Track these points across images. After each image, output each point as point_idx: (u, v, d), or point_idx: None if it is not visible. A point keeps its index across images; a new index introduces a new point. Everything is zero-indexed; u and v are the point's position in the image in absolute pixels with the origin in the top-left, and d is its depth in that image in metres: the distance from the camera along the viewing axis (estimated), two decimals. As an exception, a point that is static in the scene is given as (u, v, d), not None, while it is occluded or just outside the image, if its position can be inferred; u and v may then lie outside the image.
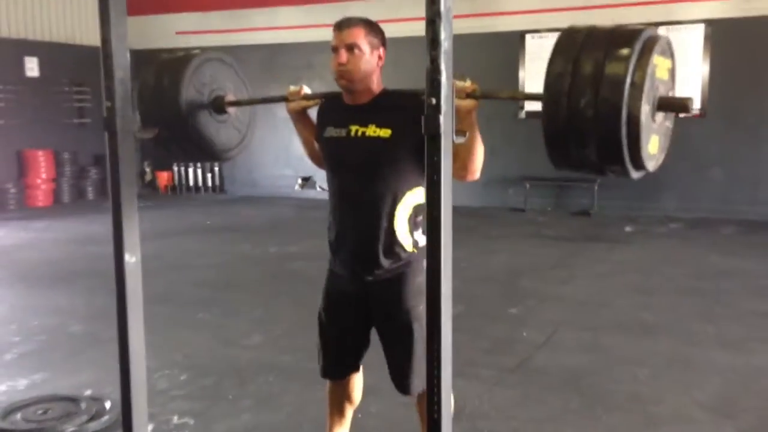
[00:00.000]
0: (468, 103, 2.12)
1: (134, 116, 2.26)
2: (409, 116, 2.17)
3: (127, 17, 2.18)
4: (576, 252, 7.44)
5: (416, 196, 2.43)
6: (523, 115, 10.23)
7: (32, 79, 11.26)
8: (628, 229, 8.59)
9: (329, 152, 2.55)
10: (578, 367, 4.09)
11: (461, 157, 2.26)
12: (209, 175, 12.53)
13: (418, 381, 2.44)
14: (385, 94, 2.49)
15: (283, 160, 12.03)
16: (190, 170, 12.56)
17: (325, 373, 2.71)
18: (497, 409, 3.55)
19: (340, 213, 2.53)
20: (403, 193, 2.43)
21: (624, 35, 1.79)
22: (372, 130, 2.40)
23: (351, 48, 2.37)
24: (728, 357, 4.25)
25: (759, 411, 3.52)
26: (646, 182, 9.94)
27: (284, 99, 2.64)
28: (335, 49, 2.40)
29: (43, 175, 11.21)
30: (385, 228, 2.43)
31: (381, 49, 2.45)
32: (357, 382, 2.74)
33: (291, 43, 11.50)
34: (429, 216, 1.81)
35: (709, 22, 9.04)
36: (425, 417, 1.86)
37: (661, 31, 9.45)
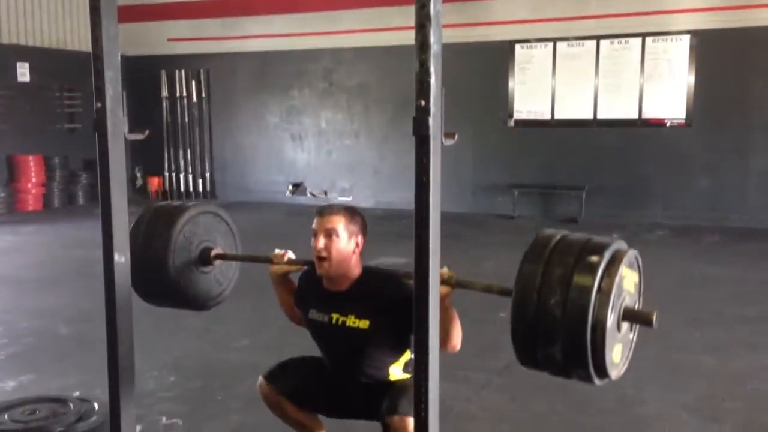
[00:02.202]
0: (443, 289, 2.18)
1: (124, 118, 2.28)
2: (385, 306, 2.44)
3: (120, 24, 2.20)
4: (564, 259, 7.46)
5: (403, 359, 2.61)
6: (512, 123, 10.29)
7: (23, 84, 11.25)
8: (615, 236, 8.59)
9: (314, 333, 2.70)
10: (565, 371, 4.12)
11: (440, 334, 2.33)
12: (200, 181, 12.54)
13: (407, 404, 2.40)
14: (364, 279, 2.57)
15: (275, 166, 12.05)
16: (182, 176, 12.57)
17: (272, 378, 2.69)
18: (485, 411, 3.59)
19: (333, 367, 2.70)
20: (392, 363, 2.60)
21: (595, 244, 1.89)
22: (351, 321, 2.53)
23: (329, 234, 2.48)
24: (713, 361, 4.30)
25: (743, 414, 3.56)
26: (633, 189, 10.08)
27: (269, 261, 2.72)
28: (315, 233, 2.51)
29: (34, 180, 11.19)
30: (375, 383, 2.59)
31: (359, 237, 2.54)
32: (310, 415, 2.76)
33: (283, 50, 11.54)
34: (417, 217, 1.84)
35: (695, 33, 9.15)
36: None
37: (648, 41, 9.59)
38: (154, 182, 12.63)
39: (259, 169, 12.17)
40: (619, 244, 1.92)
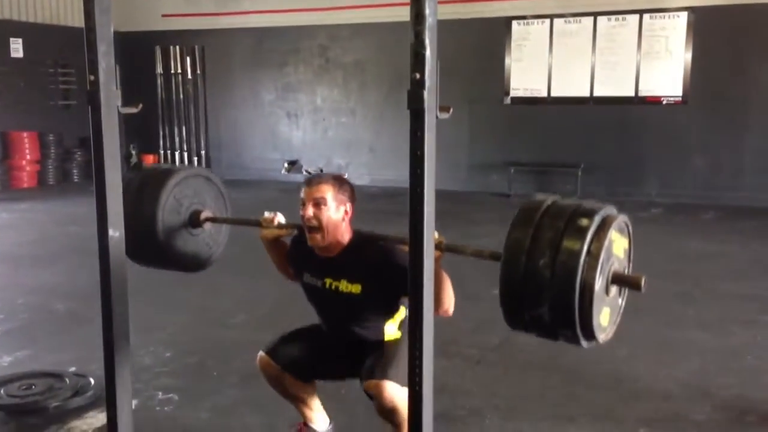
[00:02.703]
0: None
1: (117, 91, 2.26)
2: (377, 271, 2.48)
3: None
4: (559, 236, 7.49)
5: (397, 318, 2.64)
6: (508, 100, 10.26)
7: (17, 60, 11.17)
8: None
9: (309, 296, 2.73)
10: (558, 346, 4.12)
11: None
12: (195, 159, 12.50)
13: (381, 369, 2.46)
14: (355, 244, 2.59)
15: (270, 144, 12.02)
16: (177, 153, 12.53)
17: (272, 351, 2.72)
18: (479, 386, 3.61)
19: (329, 329, 2.74)
20: (386, 321, 2.63)
21: (585, 209, 1.88)
22: (344, 286, 2.57)
23: (318, 203, 2.49)
24: (706, 337, 4.33)
25: (734, 389, 3.59)
26: (629, 167, 10.08)
27: (258, 224, 2.72)
28: (303, 203, 2.52)
29: (28, 157, 11.15)
30: (371, 341, 2.62)
31: (348, 204, 2.56)
32: (308, 386, 2.80)
33: (278, 26, 11.45)
34: (412, 192, 1.83)
35: (693, 10, 9.09)
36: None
37: (645, 18, 9.54)
38: (149, 160, 12.58)
39: (255, 147, 12.14)
40: (609, 210, 1.93)
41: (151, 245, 2.67)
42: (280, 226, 2.69)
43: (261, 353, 2.73)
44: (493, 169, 10.40)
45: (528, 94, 10.10)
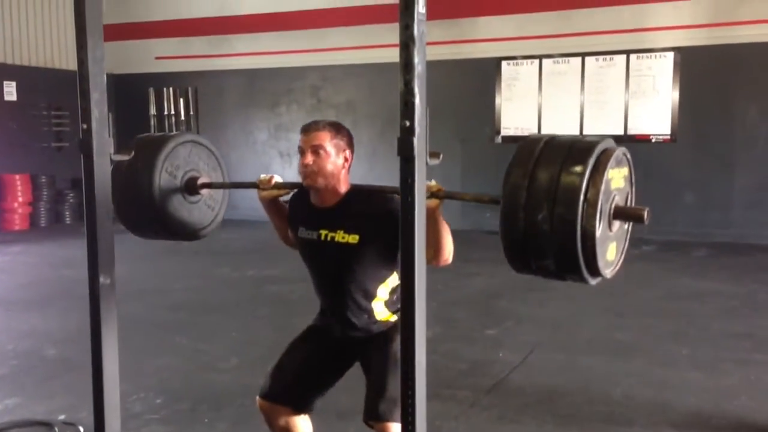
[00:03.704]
0: (431, 202, 2.20)
1: (110, 139, 2.27)
2: (375, 221, 2.38)
3: (106, 42, 2.20)
4: (552, 275, 7.49)
5: (390, 283, 2.56)
6: (499, 139, 10.35)
7: (10, 103, 11.22)
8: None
9: (303, 251, 2.66)
10: (553, 388, 4.13)
11: (432, 247, 2.32)
12: (187, 199, 12.51)
13: (386, 408, 2.42)
14: (352, 195, 2.56)
15: (262, 184, 12.04)
16: (168, 194, 12.53)
17: (269, 392, 2.61)
18: (473, 430, 3.57)
19: (322, 295, 2.66)
20: (378, 284, 2.55)
21: (579, 150, 1.85)
22: (340, 236, 2.50)
23: (316, 150, 2.46)
24: (701, 377, 4.31)
25: (732, 430, 3.57)
26: (620, 205, 9.86)
27: (255, 186, 2.70)
28: (301, 150, 2.49)
29: (20, 199, 11.11)
30: (364, 310, 2.56)
31: (347, 151, 2.54)
32: (301, 424, 2.68)
33: (270, 68, 11.57)
34: (403, 238, 1.85)
35: (679, 50, 9.25)
36: None
37: (632, 59, 9.67)
38: (142, 200, 12.57)
39: (248, 187, 12.16)
40: (606, 144, 1.90)
41: (149, 216, 2.63)
42: (277, 185, 2.66)
43: (258, 399, 2.66)
44: (485, 207, 10.42)
45: (519, 133, 10.19)
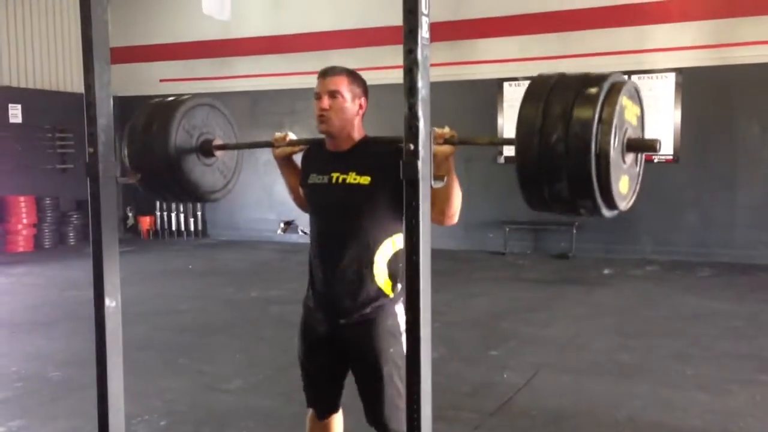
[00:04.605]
0: (446, 148, 2.19)
1: (116, 162, 2.30)
2: (388, 163, 2.23)
3: (112, 65, 2.24)
4: (556, 294, 7.50)
5: (396, 242, 2.48)
6: (501, 159, 10.38)
7: (16, 125, 11.29)
8: (606, 271, 8.67)
9: (311, 198, 2.62)
10: (558, 409, 4.11)
11: (439, 202, 2.30)
12: (192, 220, 12.53)
13: (393, 422, 2.45)
14: (366, 141, 2.56)
15: (266, 204, 12.07)
16: (173, 215, 12.56)
17: (310, 403, 2.72)
18: (478, 452, 3.56)
19: (320, 256, 2.57)
20: (383, 240, 2.48)
21: (593, 78, 1.88)
22: (352, 178, 2.46)
23: (333, 94, 2.46)
24: (706, 398, 4.29)
25: (736, 451, 3.55)
26: (623, 225, 10.07)
27: (270, 145, 2.72)
28: (318, 96, 2.49)
29: (25, 221, 11.16)
30: (363, 272, 2.48)
31: (362, 99, 2.53)
32: (336, 423, 2.73)
33: (274, 89, 11.65)
34: (408, 260, 1.85)
35: (680, 71, 9.30)
36: None
37: (634, 79, 9.73)
38: (146, 221, 12.61)
39: (250, 207, 12.18)
40: (617, 77, 1.90)
41: (162, 171, 2.64)
42: (291, 142, 2.67)
43: (309, 414, 2.74)
44: (489, 228, 10.45)
45: (521, 154, 10.21)
